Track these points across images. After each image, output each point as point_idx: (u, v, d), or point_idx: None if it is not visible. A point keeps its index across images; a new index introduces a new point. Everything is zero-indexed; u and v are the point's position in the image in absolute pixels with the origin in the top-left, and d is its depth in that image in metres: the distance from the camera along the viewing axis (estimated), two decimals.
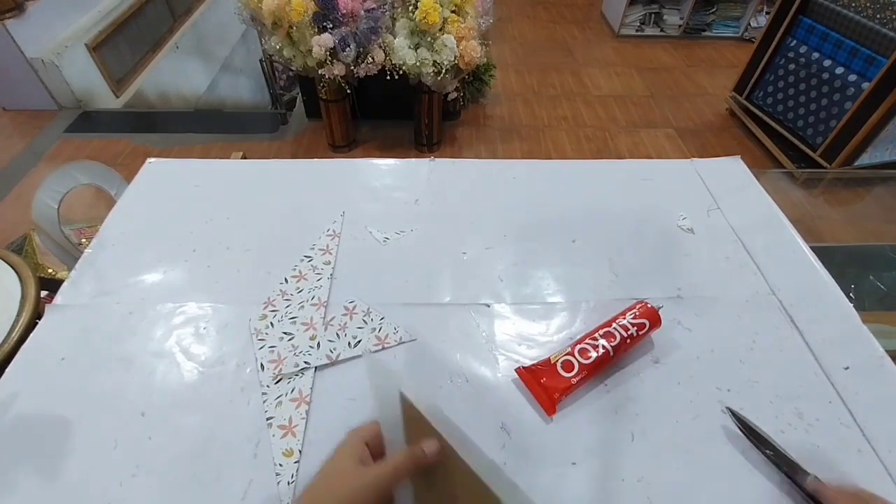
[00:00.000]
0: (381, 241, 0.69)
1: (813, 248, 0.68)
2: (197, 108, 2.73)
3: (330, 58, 1.71)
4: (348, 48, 1.69)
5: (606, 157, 2.27)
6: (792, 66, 2.15)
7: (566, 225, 0.72)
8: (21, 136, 2.32)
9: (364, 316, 0.59)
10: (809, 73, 2.07)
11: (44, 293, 0.74)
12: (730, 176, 0.82)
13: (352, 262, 0.66)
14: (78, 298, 0.60)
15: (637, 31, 3.29)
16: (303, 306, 0.60)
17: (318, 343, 0.56)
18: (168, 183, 0.78)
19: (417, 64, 1.73)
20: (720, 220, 0.73)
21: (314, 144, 2.29)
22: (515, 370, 0.53)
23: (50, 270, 1.14)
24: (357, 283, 0.63)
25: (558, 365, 0.52)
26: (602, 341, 0.53)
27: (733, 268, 0.66)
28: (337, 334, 0.57)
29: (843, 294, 0.63)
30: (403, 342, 0.57)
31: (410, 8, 1.71)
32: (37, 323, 0.61)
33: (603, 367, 0.52)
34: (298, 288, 0.62)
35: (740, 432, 0.48)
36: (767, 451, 0.46)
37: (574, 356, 0.52)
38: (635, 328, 0.54)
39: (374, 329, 0.58)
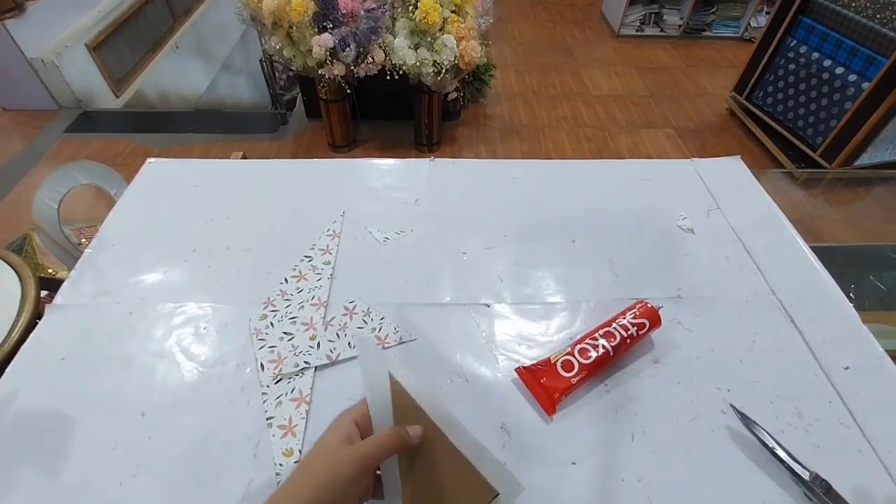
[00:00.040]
0: (381, 241, 0.69)
1: (813, 248, 0.68)
2: (197, 108, 2.73)
3: (330, 58, 1.71)
4: (348, 48, 1.69)
5: (606, 157, 2.27)
6: (792, 66, 2.15)
7: (566, 225, 0.72)
8: (21, 136, 2.32)
9: (364, 316, 0.59)
10: (809, 73, 2.07)
11: (44, 293, 0.74)
12: (730, 176, 0.82)
13: (352, 262, 0.66)
14: (78, 298, 0.60)
15: (637, 31, 3.29)
16: (303, 306, 0.60)
17: (318, 343, 0.56)
18: (168, 183, 0.78)
19: (417, 64, 1.73)
20: (720, 220, 0.73)
21: (314, 144, 2.29)
22: (515, 370, 0.53)
23: (50, 270, 1.14)
24: (357, 283, 0.63)
25: (558, 365, 0.52)
26: (602, 341, 0.53)
27: (733, 268, 0.66)
28: (337, 334, 0.57)
29: (843, 294, 0.63)
30: (403, 342, 0.57)
31: (410, 8, 1.71)
32: (37, 323, 0.61)
33: (603, 367, 0.52)
34: (298, 288, 0.62)
35: (744, 430, 0.48)
36: (770, 449, 0.46)
37: (574, 356, 0.52)
38: (635, 328, 0.54)
39: (374, 329, 0.58)
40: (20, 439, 0.48)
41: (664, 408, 0.51)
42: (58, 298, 0.60)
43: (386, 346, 0.56)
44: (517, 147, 2.32)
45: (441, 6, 1.68)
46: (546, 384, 0.51)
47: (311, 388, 0.52)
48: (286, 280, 0.63)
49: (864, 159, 2.00)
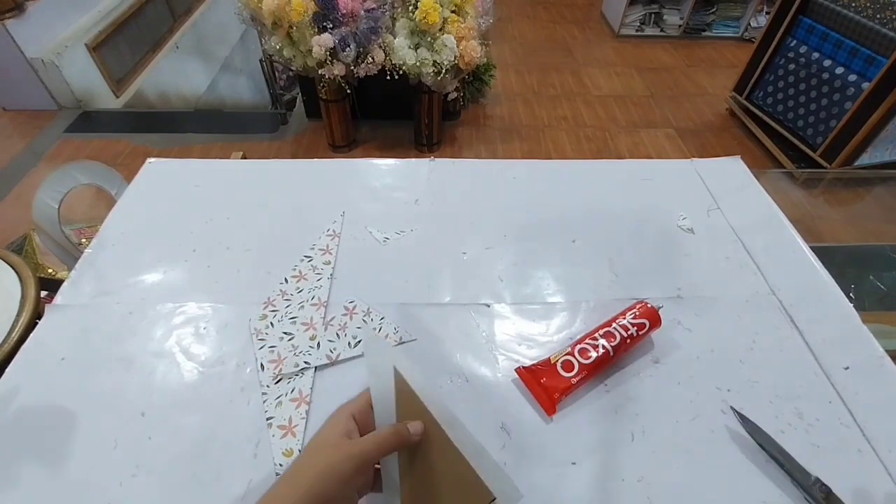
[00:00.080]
0: (381, 241, 0.69)
1: (813, 248, 0.68)
2: (197, 108, 2.73)
3: (330, 58, 1.71)
4: (348, 48, 1.69)
5: (606, 157, 2.27)
6: (792, 66, 2.15)
7: (566, 225, 0.72)
8: (21, 136, 2.32)
9: (364, 316, 0.59)
10: (809, 73, 2.07)
11: (44, 293, 0.74)
12: (730, 176, 0.82)
13: (352, 262, 0.66)
14: (78, 298, 0.60)
15: (637, 31, 3.29)
16: (303, 306, 0.60)
17: (318, 343, 0.56)
18: (168, 183, 0.78)
19: (417, 64, 1.73)
20: (720, 220, 0.73)
21: (314, 144, 2.29)
22: (515, 370, 0.53)
23: (50, 270, 1.15)
24: (357, 283, 0.63)
25: (558, 365, 0.52)
26: (602, 341, 0.53)
27: (733, 268, 0.66)
28: (337, 334, 0.57)
29: (843, 294, 0.63)
30: (403, 342, 0.57)
31: (410, 8, 1.71)
32: (37, 323, 0.61)
33: (603, 367, 0.52)
34: (298, 288, 0.62)
35: (744, 431, 0.48)
36: (770, 451, 0.46)
37: (574, 356, 0.52)
38: (635, 328, 0.54)
39: (374, 329, 0.58)
40: (20, 439, 0.48)
41: (664, 408, 0.51)
42: (58, 298, 0.60)
43: None
44: (517, 147, 2.33)
45: (441, 6, 1.68)
46: (546, 384, 0.51)
47: (311, 389, 0.52)
48: (286, 280, 0.63)
49: (864, 159, 2.00)
